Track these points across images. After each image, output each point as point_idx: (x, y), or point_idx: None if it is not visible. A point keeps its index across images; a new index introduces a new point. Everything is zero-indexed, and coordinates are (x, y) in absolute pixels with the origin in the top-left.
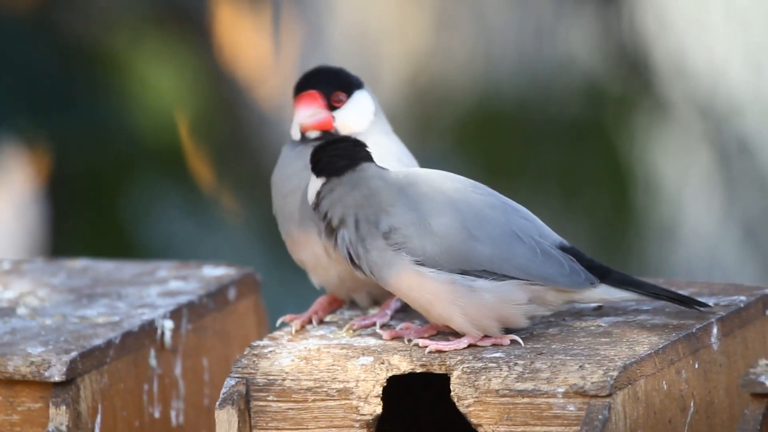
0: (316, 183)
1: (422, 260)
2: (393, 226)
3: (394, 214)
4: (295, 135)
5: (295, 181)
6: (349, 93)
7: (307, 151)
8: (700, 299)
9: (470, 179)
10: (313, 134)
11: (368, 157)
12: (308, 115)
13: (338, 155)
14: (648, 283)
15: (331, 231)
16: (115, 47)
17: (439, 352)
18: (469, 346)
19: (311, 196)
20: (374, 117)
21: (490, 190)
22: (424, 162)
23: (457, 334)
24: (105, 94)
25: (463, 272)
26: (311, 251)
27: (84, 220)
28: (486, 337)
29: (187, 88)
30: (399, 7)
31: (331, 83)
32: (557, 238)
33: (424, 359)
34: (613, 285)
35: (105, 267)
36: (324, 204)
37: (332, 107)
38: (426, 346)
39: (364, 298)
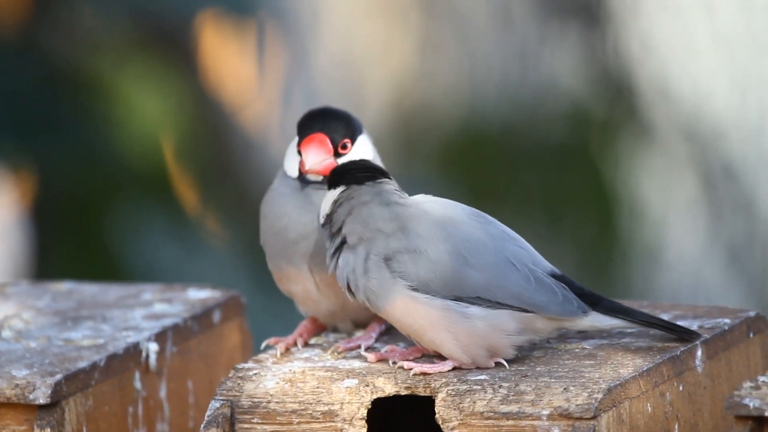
0: (333, 193)
1: (416, 286)
2: (393, 251)
3: (395, 238)
4: (292, 172)
5: (286, 220)
6: (353, 139)
7: (305, 194)
8: (684, 322)
9: (473, 208)
10: (313, 177)
11: (389, 176)
12: (318, 161)
13: (362, 168)
14: (637, 311)
15: (335, 250)
16: (99, 71)
17: (424, 374)
18: (454, 368)
19: (324, 209)
20: None
21: (490, 218)
22: (409, 186)
23: (442, 358)
24: (90, 118)
25: (457, 299)
26: (302, 286)
27: (69, 244)
28: None
29: (172, 112)
30: (384, 32)
31: (339, 129)
32: (549, 266)
33: (408, 382)
34: (603, 312)
35: (90, 290)
36: (339, 212)
37: (337, 153)
38: (411, 369)
39: (348, 325)
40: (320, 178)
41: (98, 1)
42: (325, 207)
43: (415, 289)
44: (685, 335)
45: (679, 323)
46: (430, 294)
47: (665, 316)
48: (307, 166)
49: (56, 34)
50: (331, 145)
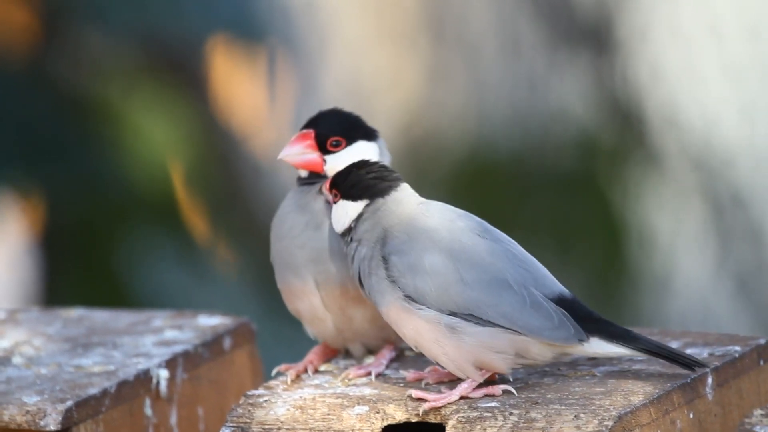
0: (355, 206)
1: (412, 296)
2: (391, 256)
3: (396, 244)
4: (303, 172)
5: (289, 224)
6: (350, 140)
7: (304, 194)
8: (695, 350)
9: (484, 222)
10: (303, 173)
11: (401, 178)
12: (295, 153)
13: (378, 177)
14: (643, 339)
15: (353, 250)
16: (108, 97)
17: (432, 409)
18: (462, 398)
19: (344, 221)
20: None
21: (498, 235)
22: None
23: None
24: (99, 145)
25: (452, 313)
26: (308, 301)
27: (78, 271)
28: (478, 387)
29: (181, 139)
30: (393, 59)
31: (333, 127)
32: (557, 288)
33: (419, 408)
34: (606, 339)
35: (100, 316)
36: (364, 226)
37: (327, 150)
38: (417, 398)
39: (359, 349)
40: (306, 173)
41: (107, 28)
42: (345, 220)
43: (410, 298)
44: (691, 364)
45: (690, 351)
46: (425, 305)
47: (675, 344)
48: (280, 156)
49: (65, 61)
50: (314, 141)
